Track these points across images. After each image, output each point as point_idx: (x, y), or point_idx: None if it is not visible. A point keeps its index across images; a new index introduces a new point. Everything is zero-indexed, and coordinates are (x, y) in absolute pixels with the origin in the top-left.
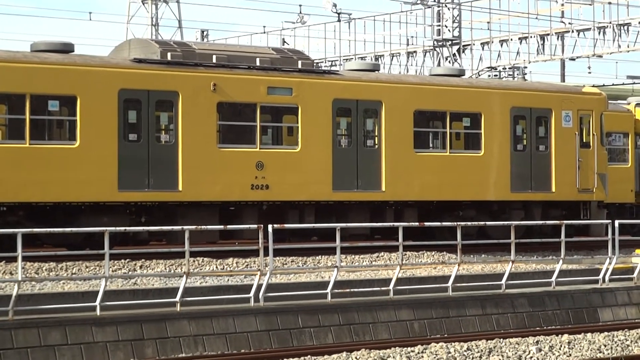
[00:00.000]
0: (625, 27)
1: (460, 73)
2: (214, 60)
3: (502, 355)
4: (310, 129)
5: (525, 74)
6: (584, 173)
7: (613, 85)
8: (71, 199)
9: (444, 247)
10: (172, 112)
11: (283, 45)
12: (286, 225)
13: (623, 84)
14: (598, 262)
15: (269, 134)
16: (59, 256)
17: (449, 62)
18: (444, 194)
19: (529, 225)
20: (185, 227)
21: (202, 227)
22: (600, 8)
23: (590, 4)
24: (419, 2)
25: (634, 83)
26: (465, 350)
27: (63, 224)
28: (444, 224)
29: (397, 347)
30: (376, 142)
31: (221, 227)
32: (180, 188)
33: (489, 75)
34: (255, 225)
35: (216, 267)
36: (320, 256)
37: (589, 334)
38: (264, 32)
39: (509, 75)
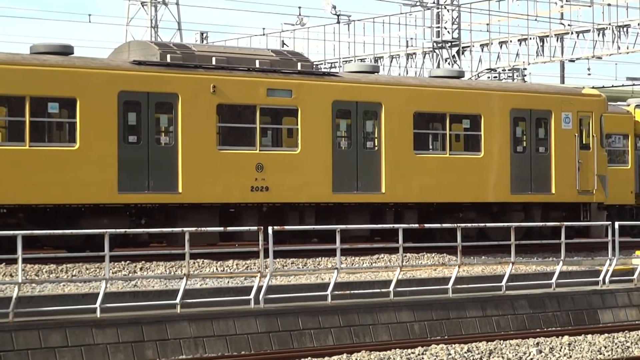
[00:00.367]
0: (625, 29)
1: (460, 75)
2: (214, 62)
3: (503, 357)
4: (310, 131)
5: (525, 75)
6: (584, 175)
7: (613, 86)
8: (71, 201)
9: (444, 249)
10: (171, 114)
11: (282, 47)
12: (286, 227)
13: (623, 85)
14: (598, 264)
15: (269, 135)
16: (59, 258)
17: (449, 63)
18: (444, 196)
19: (529, 226)
20: (185, 229)
21: (202, 229)
22: (599, 10)
23: (589, 6)
24: (418, 3)
25: (633, 84)
26: (465, 352)
27: (63, 226)
28: (444, 225)
29: (397, 349)
30: (376, 144)
31: (221, 229)
32: (180, 190)
33: (489, 77)
34: (255, 227)
35: (216, 269)
36: (320, 258)
37: (589, 336)
38: (264, 34)
39: (509, 76)
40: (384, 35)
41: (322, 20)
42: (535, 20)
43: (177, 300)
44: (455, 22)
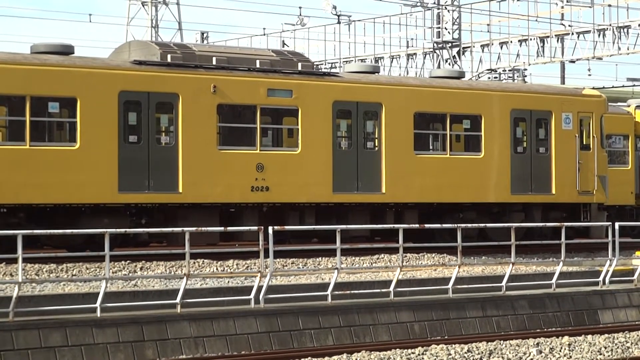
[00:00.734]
0: (625, 30)
1: (460, 75)
2: (214, 62)
3: (503, 357)
4: (311, 131)
5: (525, 76)
6: (584, 175)
7: (613, 87)
8: (71, 200)
9: (444, 249)
10: (172, 114)
11: (283, 47)
12: (286, 227)
13: (623, 86)
14: (598, 264)
15: (269, 135)
16: (59, 258)
17: (449, 64)
18: (444, 196)
19: (529, 227)
20: (185, 228)
21: (203, 228)
22: (600, 10)
23: (590, 7)
24: (418, 4)
25: (634, 85)
26: (465, 352)
27: (63, 225)
28: (444, 225)
29: (397, 349)
30: (376, 144)
31: (221, 228)
32: (180, 190)
33: (489, 78)
34: (256, 227)
35: (216, 269)
36: (320, 258)
37: (589, 336)
38: (264, 34)
39: (509, 77)
40: (384, 36)
41: (322, 20)
42: (536, 20)
43: (177, 300)
44: (456, 23)
